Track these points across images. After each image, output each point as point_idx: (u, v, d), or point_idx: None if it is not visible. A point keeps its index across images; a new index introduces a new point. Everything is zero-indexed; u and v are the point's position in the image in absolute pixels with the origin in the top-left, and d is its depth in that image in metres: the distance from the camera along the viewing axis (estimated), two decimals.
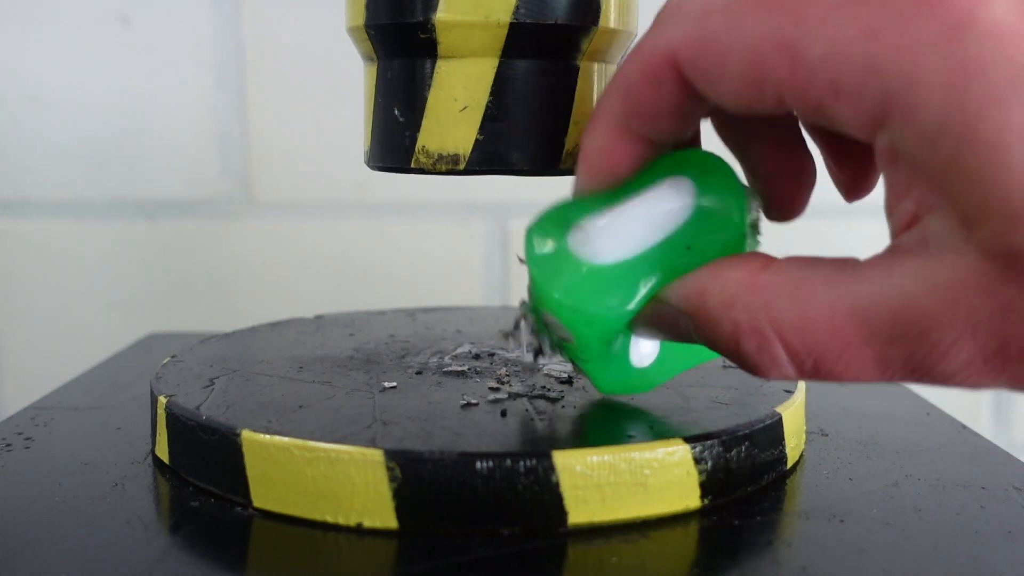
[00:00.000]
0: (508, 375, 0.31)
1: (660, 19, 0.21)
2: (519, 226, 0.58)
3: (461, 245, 0.59)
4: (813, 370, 0.20)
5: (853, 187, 0.25)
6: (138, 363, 0.42)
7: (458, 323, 0.40)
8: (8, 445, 0.30)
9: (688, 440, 0.25)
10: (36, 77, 0.56)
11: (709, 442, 0.25)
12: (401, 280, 0.59)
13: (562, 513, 0.24)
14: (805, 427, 0.31)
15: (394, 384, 0.30)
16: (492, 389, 0.29)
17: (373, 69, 0.29)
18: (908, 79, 0.17)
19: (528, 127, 0.27)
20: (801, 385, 0.31)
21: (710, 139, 0.25)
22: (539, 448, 0.24)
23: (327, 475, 0.24)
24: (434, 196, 0.58)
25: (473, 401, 0.28)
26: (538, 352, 0.25)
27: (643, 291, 0.23)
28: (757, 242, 0.24)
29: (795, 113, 0.19)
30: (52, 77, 0.56)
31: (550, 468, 0.24)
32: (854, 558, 0.23)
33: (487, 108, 0.27)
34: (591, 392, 0.29)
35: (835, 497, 0.26)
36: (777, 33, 0.18)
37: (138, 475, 0.28)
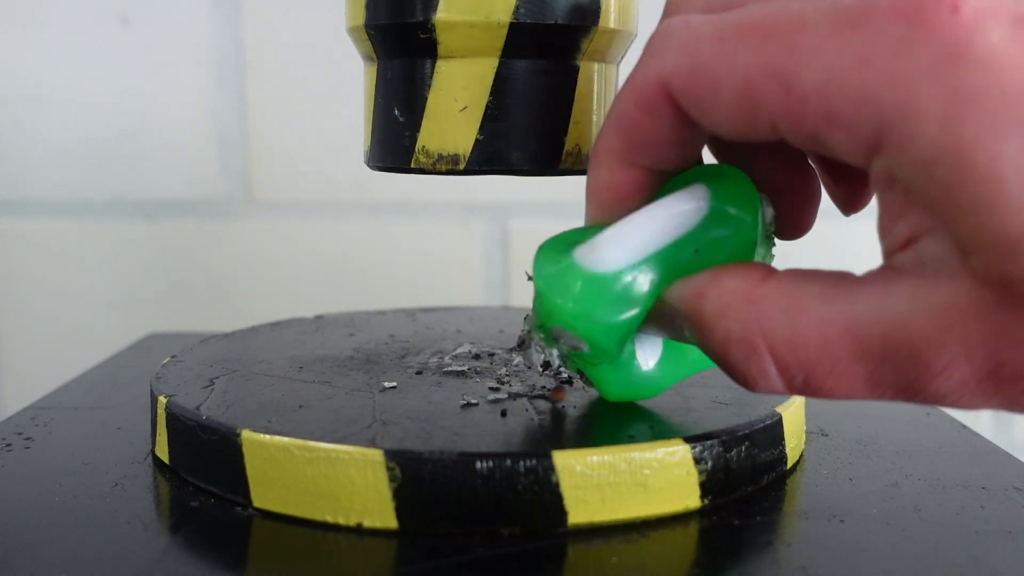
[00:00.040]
0: (508, 375, 0.31)
1: (650, 49, 0.21)
2: (519, 226, 0.58)
3: (461, 245, 0.59)
4: (803, 385, 0.20)
5: (850, 202, 0.25)
6: (138, 363, 0.42)
7: (458, 323, 0.40)
8: (8, 445, 0.30)
9: (688, 440, 0.25)
10: (36, 77, 0.56)
11: (709, 442, 0.25)
12: (401, 280, 0.59)
13: (562, 513, 0.24)
14: (805, 427, 0.31)
15: (394, 384, 0.30)
16: (492, 389, 0.29)
17: (373, 69, 0.29)
18: (903, 108, 0.17)
19: (528, 127, 0.27)
20: None
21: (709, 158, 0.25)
22: (539, 448, 0.24)
23: (327, 475, 0.24)
24: (434, 196, 0.58)
25: (473, 401, 0.28)
26: (547, 366, 0.25)
27: (652, 293, 0.23)
28: (771, 253, 0.24)
29: (789, 141, 0.19)
30: (52, 77, 0.56)
31: (550, 468, 0.24)
32: (854, 558, 0.23)
33: (487, 108, 0.27)
34: (591, 392, 0.29)
35: (835, 497, 0.26)
36: (769, 62, 0.18)
37: (138, 475, 0.28)
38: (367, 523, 0.24)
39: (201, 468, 0.27)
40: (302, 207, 0.58)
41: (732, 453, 0.26)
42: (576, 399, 0.28)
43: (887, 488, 0.27)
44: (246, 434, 0.25)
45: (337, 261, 0.59)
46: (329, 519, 0.24)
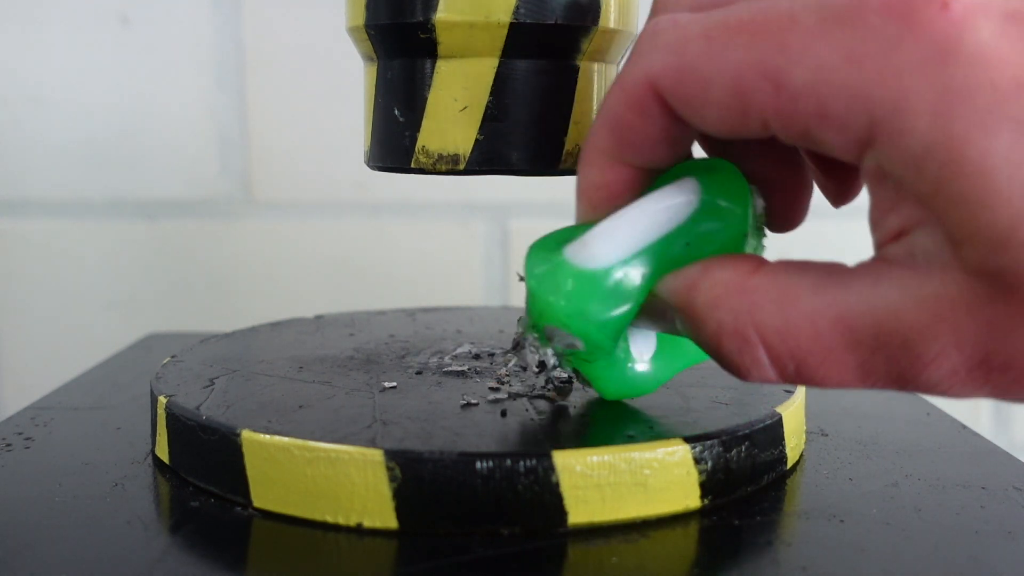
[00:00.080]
0: (508, 375, 0.31)
1: (638, 49, 0.21)
2: (519, 226, 0.58)
3: (461, 245, 0.59)
4: (795, 374, 0.20)
5: (840, 194, 0.25)
6: (138, 363, 0.42)
7: (458, 323, 0.40)
8: (8, 445, 0.30)
9: (688, 440, 0.25)
10: (36, 77, 0.56)
11: (709, 442, 0.25)
12: (401, 280, 0.59)
13: (562, 513, 0.24)
14: (805, 427, 0.31)
15: (394, 384, 0.30)
16: (492, 389, 0.29)
17: (373, 69, 0.29)
18: (893, 105, 0.17)
19: (528, 127, 0.27)
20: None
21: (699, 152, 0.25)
22: (539, 448, 0.24)
23: (327, 475, 0.24)
24: (434, 196, 0.58)
25: (473, 401, 0.28)
26: (543, 366, 0.25)
27: (644, 287, 0.23)
28: (762, 244, 0.24)
29: (780, 138, 0.19)
30: (52, 77, 0.56)
31: (550, 468, 0.24)
32: (854, 558, 0.23)
33: (487, 108, 0.27)
34: (591, 392, 0.29)
35: (835, 497, 0.26)
36: (759, 61, 0.18)
37: (138, 475, 0.28)
38: (367, 523, 0.24)
39: (201, 468, 0.27)
40: (302, 207, 0.58)
41: (732, 453, 0.26)
42: (576, 399, 0.28)
43: (887, 488, 0.27)
44: (246, 434, 0.25)
45: (337, 261, 0.59)
46: (329, 519, 0.24)
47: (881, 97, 0.17)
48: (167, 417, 0.28)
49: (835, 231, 0.52)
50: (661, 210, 0.23)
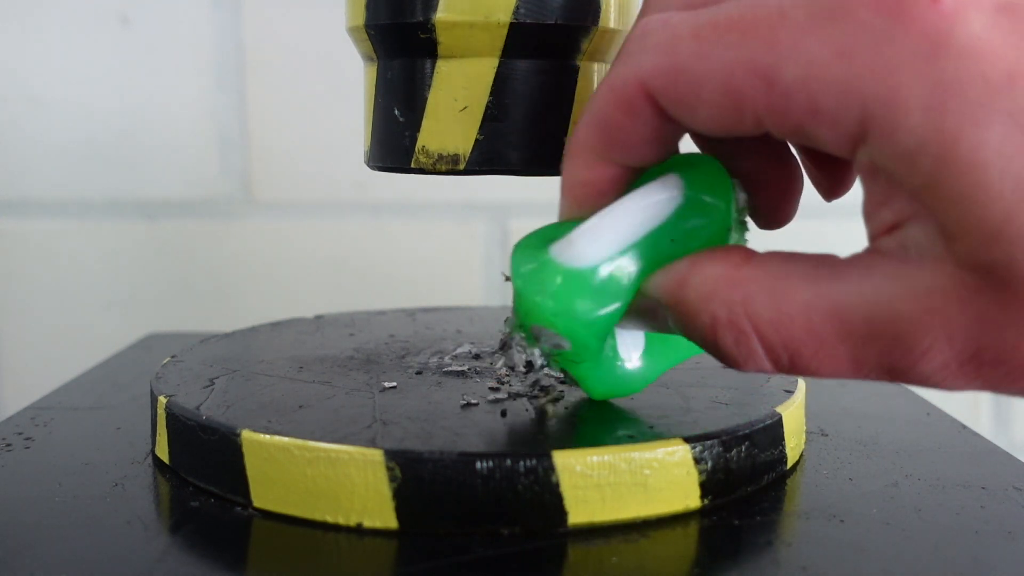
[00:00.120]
0: (508, 375, 0.31)
1: (628, 48, 0.21)
2: (519, 226, 0.58)
3: (461, 245, 0.59)
4: (789, 365, 0.20)
5: (832, 188, 0.25)
6: (138, 363, 0.42)
7: (458, 323, 0.40)
8: (8, 445, 0.30)
9: (688, 440, 0.25)
10: (36, 77, 0.56)
11: (709, 442, 0.25)
12: (401, 280, 0.59)
13: (562, 513, 0.24)
14: (805, 427, 0.31)
15: (394, 384, 0.30)
16: (492, 389, 0.29)
17: (373, 69, 0.29)
18: (886, 100, 0.17)
19: (528, 127, 0.27)
20: (801, 385, 0.31)
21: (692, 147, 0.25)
22: (539, 448, 0.24)
23: (327, 475, 0.24)
24: (434, 196, 0.58)
25: (473, 401, 0.28)
26: (530, 367, 0.25)
27: (630, 287, 0.23)
28: (744, 237, 0.24)
29: (773, 134, 0.19)
30: (52, 77, 0.56)
31: (550, 468, 0.24)
32: (854, 558, 0.23)
33: (487, 108, 0.27)
34: None
35: (835, 497, 0.26)
36: (750, 58, 0.18)
37: (138, 475, 0.28)
38: (367, 523, 0.24)
39: (201, 468, 0.27)
40: (302, 207, 0.58)
41: (732, 453, 0.26)
42: (576, 399, 0.28)
43: (887, 488, 0.27)
44: (246, 434, 0.25)
45: (337, 261, 0.59)
46: (329, 519, 0.24)
47: (873, 92, 0.17)
48: (167, 417, 0.28)
49: (833, 230, 0.52)
50: (645, 207, 0.23)
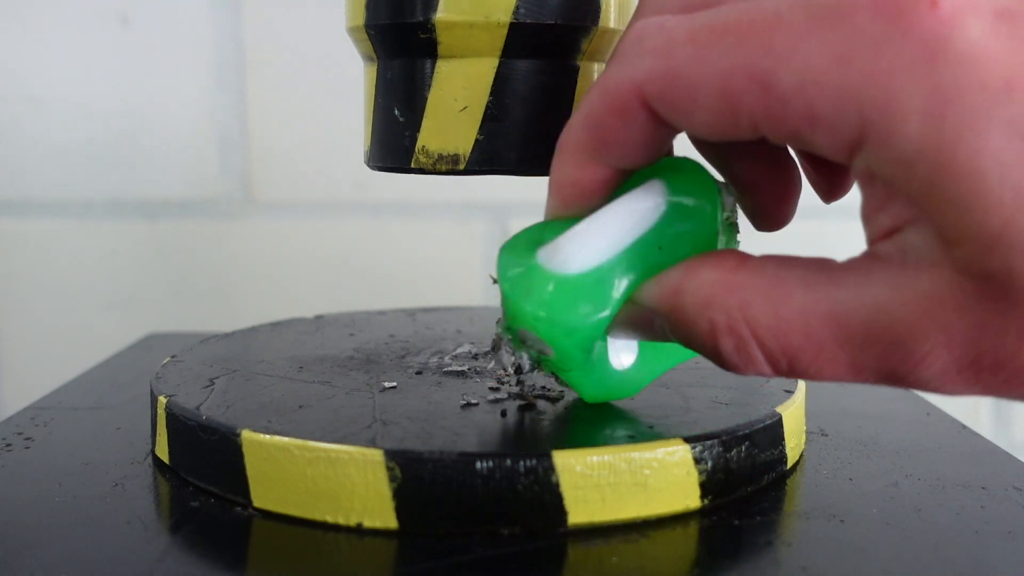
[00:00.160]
0: (508, 375, 0.31)
1: (623, 51, 0.21)
2: (519, 226, 0.58)
3: (461, 245, 0.59)
4: (788, 369, 0.20)
5: (830, 190, 0.25)
6: (138, 363, 0.42)
7: (458, 323, 0.40)
8: (8, 445, 0.30)
9: (688, 440, 0.25)
10: (36, 77, 0.56)
11: (709, 442, 0.25)
12: (401, 280, 0.59)
13: (562, 513, 0.24)
14: (805, 427, 0.31)
15: (394, 384, 0.30)
16: (492, 389, 0.29)
17: (373, 69, 0.29)
18: (883, 106, 0.17)
19: (528, 127, 0.27)
20: (801, 385, 0.31)
21: (689, 147, 0.25)
22: (539, 448, 0.24)
23: (327, 475, 0.24)
24: (434, 196, 0.58)
25: (473, 401, 0.28)
26: (519, 370, 0.25)
27: (618, 295, 0.22)
28: (736, 240, 0.24)
29: (770, 139, 0.19)
30: (52, 77, 0.56)
31: (550, 468, 0.24)
32: (854, 558, 0.23)
33: (487, 108, 0.27)
34: None
35: (835, 497, 0.26)
36: (746, 63, 0.18)
37: (138, 475, 0.28)
38: (367, 523, 0.24)
39: (201, 468, 0.27)
40: (302, 207, 0.58)
41: (732, 453, 0.26)
42: (576, 399, 0.28)
43: (887, 488, 0.27)
44: (246, 434, 0.25)
45: (337, 261, 0.59)
46: (329, 519, 0.24)
47: (871, 98, 0.17)
48: (167, 417, 0.28)
49: (833, 231, 0.52)
50: (630, 215, 0.23)
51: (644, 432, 0.25)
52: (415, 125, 0.27)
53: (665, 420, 0.27)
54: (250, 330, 0.39)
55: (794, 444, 0.29)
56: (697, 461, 0.25)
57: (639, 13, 0.22)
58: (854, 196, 0.23)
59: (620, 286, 0.22)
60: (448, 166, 0.27)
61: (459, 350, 0.34)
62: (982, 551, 0.23)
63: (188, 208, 0.57)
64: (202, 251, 0.58)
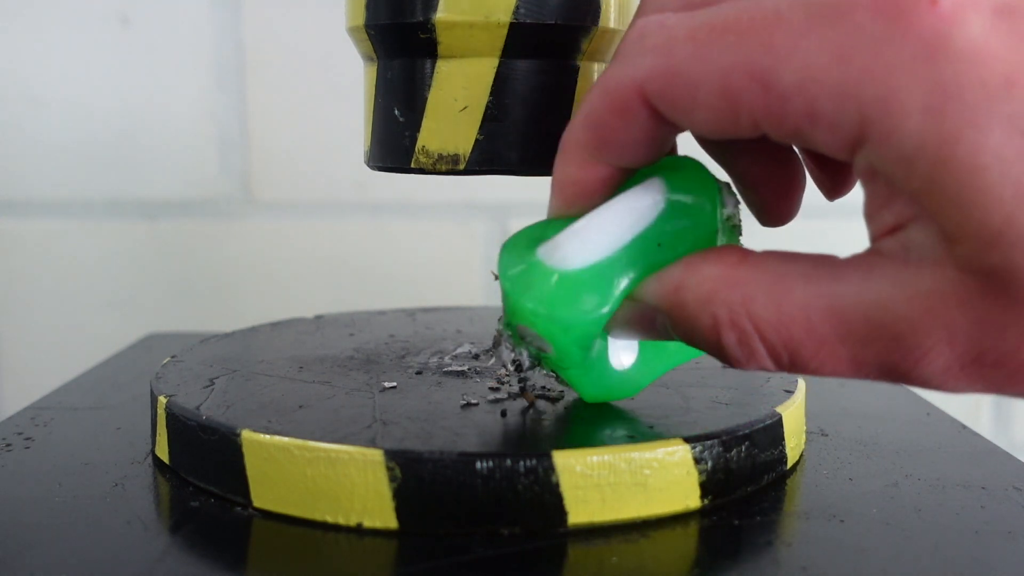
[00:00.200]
0: (508, 375, 0.31)
1: (623, 51, 0.21)
2: (519, 226, 0.58)
3: (461, 245, 0.59)
4: (790, 363, 0.20)
5: (834, 187, 0.25)
6: (138, 363, 0.42)
7: (458, 323, 0.40)
8: (8, 445, 0.30)
9: (688, 440, 0.25)
10: (36, 77, 0.56)
11: (709, 442, 0.25)
12: (401, 280, 0.59)
13: (562, 513, 0.24)
14: (805, 427, 0.31)
15: (394, 384, 0.30)
16: (492, 389, 0.29)
17: (373, 69, 0.29)
18: (884, 104, 0.17)
19: (528, 127, 0.27)
20: (801, 385, 0.31)
21: (693, 145, 0.25)
22: (539, 448, 0.24)
23: (327, 475, 0.24)
24: (434, 196, 0.58)
25: (473, 401, 0.28)
26: (519, 367, 0.25)
27: (617, 292, 0.23)
28: (738, 239, 0.24)
29: (771, 137, 0.19)
30: (52, 77, 0.56)
31: (550, 468, 0.24)
32: (854, 558, 0.23)
33: (487, 108, 0.27)
34: None
35: (835, 497, 0.26)
36: (746, 62, 0.18)
37: (138, 475, 0.28)
38: (367, 523, 0.24)
39: (201, 468, 0.27)
40: (302, 207, 0.58)
41: (732, 453, 0.26)
42: (576, 399, 0.28)
43: (887, 488, 0.27)
44: (246, 434, 0.25)
45: (337, 261, 0.59)
46: (329, 519, 0.24)
47: (871, 96, 0.17)
48: (167, 417, 0.28)
49: (834, 228, 0.52)
50: (629, 212, 0.23)
51: (644, 432, 0.25)
52: (415, 125, 0.27)
53: (665, 420, 0.27)
54: (250, 330, 0.39)
55: (794, 444, 0.29)
56: (697, 461, 0.25)
57: (641, 11, 0.22)
58: (855, 194, 0.23)
59: (619, 283, 0.23)
60: (448, 166, 0.27)
61: (459, 350, 0.34)
62: (982, 551, 0.23)
63: (188, 208, 0.57)
64: (202, 251, 0.58)
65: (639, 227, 0.23)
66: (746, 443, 0.26)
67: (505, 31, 0.26)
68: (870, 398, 0.36)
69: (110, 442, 0.31)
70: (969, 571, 0.22)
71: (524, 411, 0.27)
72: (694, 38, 0.19)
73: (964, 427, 0.33)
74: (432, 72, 0.27)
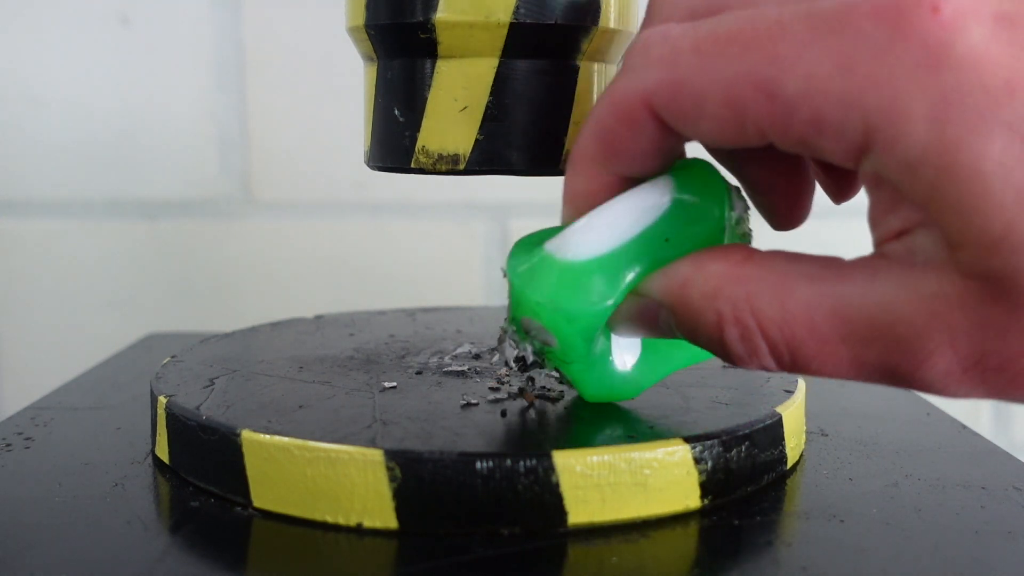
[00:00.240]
0: (508, 375, 0.31)
1: (629, 63, 0.21)
2: (519, 226, 0.58)
3: (461, 245, 0.59)
4: (791, 362, 0.20)
5: (840, 192, 0.25)
6: (138, 363, 0.42)
7: (458, 323, 0.40)
8: (8, 445, 0.30)
9: (688, 440, 0.25)
10: (36, 77, 0.56)
11: (709, 442, 0.25)
12: (401, 280, 0.59)
13: (562, 513, 0.24)
14: (805, 427, 0.31)
15: (394, 384, 0.30)
16: (492, 389, 0.29)
17: (373, 69, 0.29)
18: (888, 112, 0.17)
19: (528, 127, 0.27)
20: (801, 385, 0.31)
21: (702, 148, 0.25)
22: (539, 448, 0.24)
23: (327, 475, 0.24)
24: (434, 196, 0.58)
25: (473, 401, 0.28)
26: (523, 363, 0.25)
27: (622, 285, 0.23)
28: (748, 240, 0.24)
29: (777, 146, 0.19)
30: (52, 77, 0.56)
31: (550, 468, 0.24)
32: (854, 558, 0.23)
33: (487, 108, 0.27)
34: None
35: (835, 497, 0.26)
36: (751, 72, 0.18)
37: (138, 475, 0.28)
38: (367, 523, 0.24)
39: (201, 468, 0.27)
40: (302, 207, 0.58)
41: (732, 453, 0.26)
42: (576, 399, 0.28)
43: (887, 488, 0.27)
44: (246, 434, 0.25)
45: (337, 261, 0.59)
46: (329, 519, 0.24)
47: (875, 104, 0.17)
48: (167, 417, 0.28)
49: (837, 229, 0.51)
50: (637, 207, 0.23)
51: (644, 432, 0.25)
52: (415, 125, 0.27)
53: (665, 420, 0.27)
54: (250, 330, 0.39)
55: (794, 444, 0.29)
56: (697, 461, 0.25)
57: (646, 22, 0.23)
58: (860, 198, 0.23)
59: (625, 276, 0.23)
60: (448, 166, 0.27)
61: (459, 350, 0.34)
62: (982, 551, 0.23)
63: (188, 208, 0.57)
64: (202, 251, 0.58)
65: (646, 223, 0.23)
66: (746, 443, 0.26)
67: (505, 31, 0.26)
68: (870, 398, 0.36)
69: (110, 442, 0.31)
70: (969, 571, 0.22)
71: (524, 411, 0.27)
72: (698, 49, 0.19)
73: (964, 427, 0.33)
74: (432, 72, 0.27)
